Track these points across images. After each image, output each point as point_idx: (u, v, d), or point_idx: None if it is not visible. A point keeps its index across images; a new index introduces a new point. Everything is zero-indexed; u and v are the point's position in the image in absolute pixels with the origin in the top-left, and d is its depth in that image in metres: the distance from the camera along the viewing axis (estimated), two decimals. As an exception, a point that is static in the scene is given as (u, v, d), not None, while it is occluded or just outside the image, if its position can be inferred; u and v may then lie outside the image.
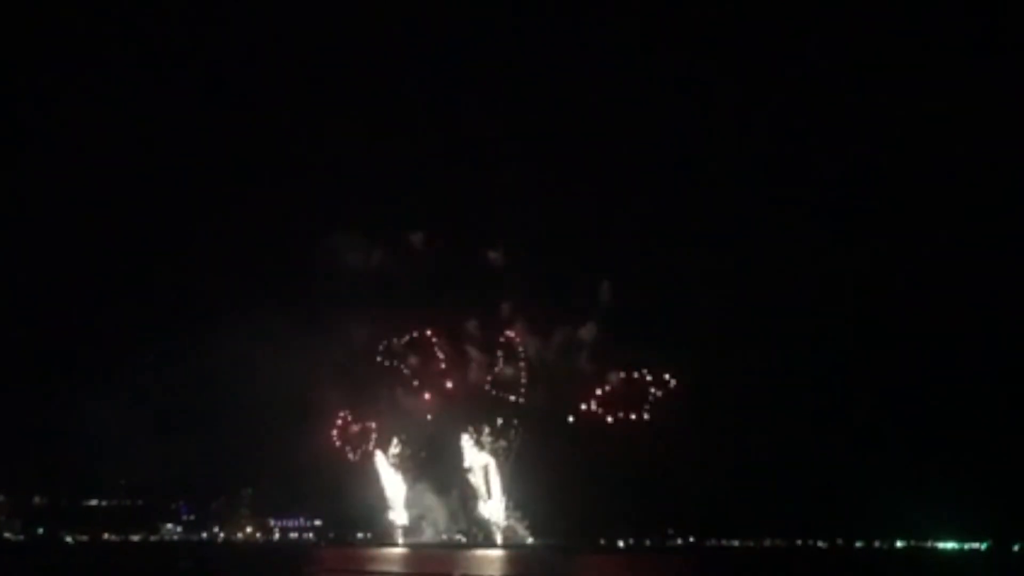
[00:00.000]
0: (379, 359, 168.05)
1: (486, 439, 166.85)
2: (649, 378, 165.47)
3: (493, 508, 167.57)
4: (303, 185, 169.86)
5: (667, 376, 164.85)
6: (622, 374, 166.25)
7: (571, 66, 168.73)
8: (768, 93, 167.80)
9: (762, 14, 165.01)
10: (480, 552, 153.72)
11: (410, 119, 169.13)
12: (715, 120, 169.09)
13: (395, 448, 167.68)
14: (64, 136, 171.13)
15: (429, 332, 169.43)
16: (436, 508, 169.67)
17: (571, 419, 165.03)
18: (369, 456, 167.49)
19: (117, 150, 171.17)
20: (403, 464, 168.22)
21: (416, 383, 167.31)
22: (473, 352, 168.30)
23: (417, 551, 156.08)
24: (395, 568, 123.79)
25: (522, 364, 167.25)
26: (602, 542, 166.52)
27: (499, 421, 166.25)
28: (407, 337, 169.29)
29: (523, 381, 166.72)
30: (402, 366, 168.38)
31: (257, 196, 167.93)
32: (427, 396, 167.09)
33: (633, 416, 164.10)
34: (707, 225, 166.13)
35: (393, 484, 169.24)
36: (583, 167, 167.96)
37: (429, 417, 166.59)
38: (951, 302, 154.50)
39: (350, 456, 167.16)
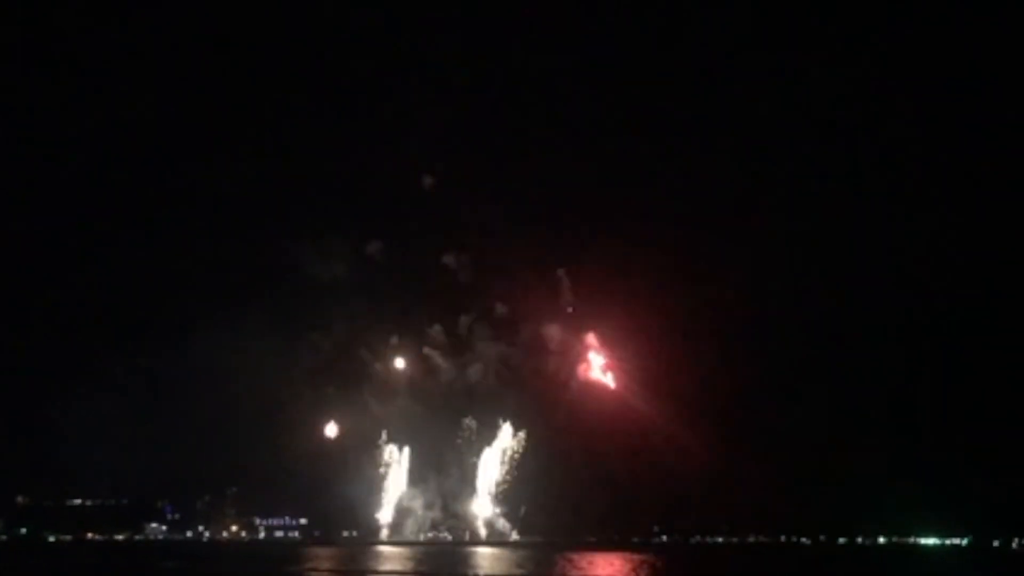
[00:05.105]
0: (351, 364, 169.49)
1: (468, 438, 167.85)
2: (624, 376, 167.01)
3: (479, 506, 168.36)
4: (277, 195, 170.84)
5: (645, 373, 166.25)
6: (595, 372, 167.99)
7: (524, 66, 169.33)
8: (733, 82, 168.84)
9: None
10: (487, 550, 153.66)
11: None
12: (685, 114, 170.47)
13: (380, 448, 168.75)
14: (60, 140, 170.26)
15: (395, 338, 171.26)
16: (420, 506, 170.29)
17: (551, 417, 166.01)
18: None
19: (110, 156, 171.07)
20: (386, 463, 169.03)
21: (388, 386, 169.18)
22: (438, 357, 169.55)
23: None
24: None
25: (490, 366, 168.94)
26: (591, 539, 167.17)
27: (478, 421, 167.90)
28: (375, 344, 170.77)
29: (494, 382, 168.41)
30: (373, 371, 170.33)
31: (236, 205, 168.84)
32: (402, 399, 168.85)
33: (613, 413, 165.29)
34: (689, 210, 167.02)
35: (378, 483, 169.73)
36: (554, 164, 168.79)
37: (412, 411, 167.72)
38: (938, 302, 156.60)
39: None
